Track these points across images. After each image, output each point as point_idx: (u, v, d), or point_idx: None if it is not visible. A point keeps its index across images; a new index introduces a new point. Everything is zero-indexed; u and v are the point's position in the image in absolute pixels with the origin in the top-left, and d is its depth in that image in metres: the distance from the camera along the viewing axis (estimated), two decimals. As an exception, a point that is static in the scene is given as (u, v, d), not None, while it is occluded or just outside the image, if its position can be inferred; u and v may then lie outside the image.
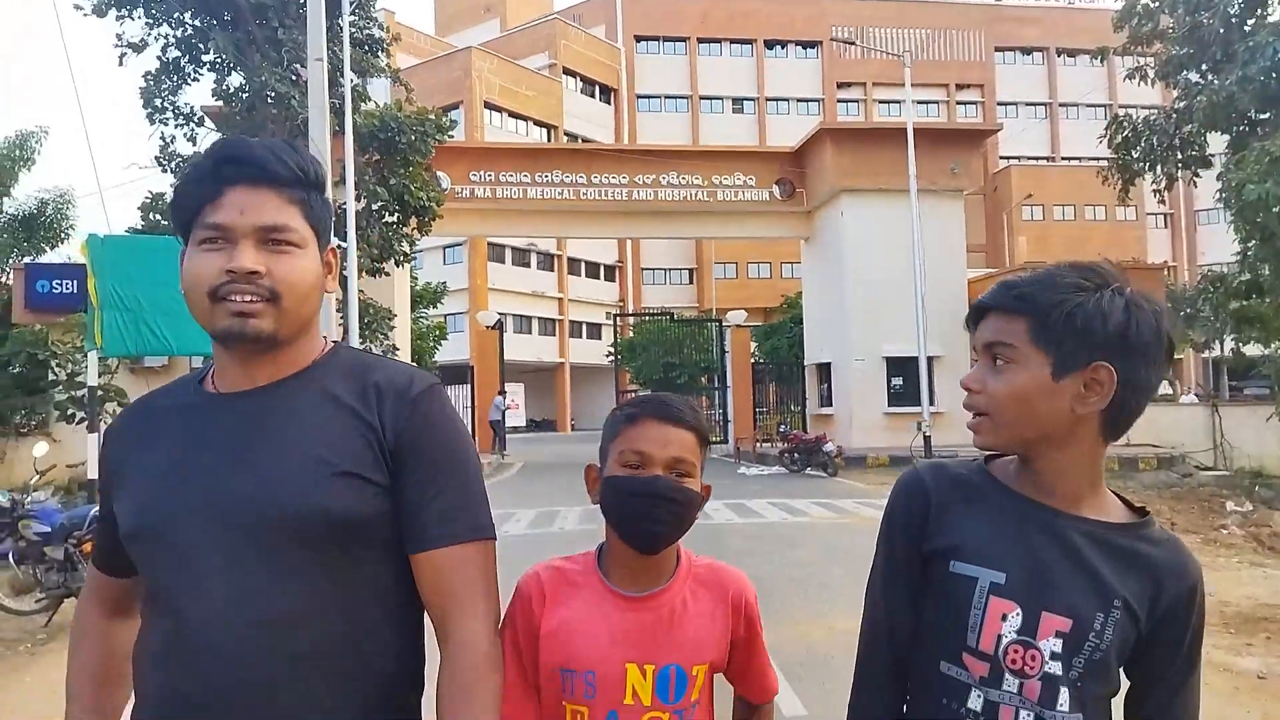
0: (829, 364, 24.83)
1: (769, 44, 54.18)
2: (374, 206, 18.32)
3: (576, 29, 52.03)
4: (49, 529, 6.82)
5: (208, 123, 18.19)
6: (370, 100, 19.10)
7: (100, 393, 10.17)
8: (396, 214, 18.92)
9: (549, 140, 47.31)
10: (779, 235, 28.70)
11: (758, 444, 24.50)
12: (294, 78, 16.25)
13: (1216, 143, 19.70)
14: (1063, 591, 1.23)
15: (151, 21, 17.45)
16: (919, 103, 46.07)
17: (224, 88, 17.65)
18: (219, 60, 17.58)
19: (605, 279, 53.22)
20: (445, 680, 1.30)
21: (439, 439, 1.35)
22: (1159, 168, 20.54)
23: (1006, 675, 1.24)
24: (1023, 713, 1.23)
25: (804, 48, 54.46)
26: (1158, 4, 19.66)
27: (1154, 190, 21.88)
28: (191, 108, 18.24)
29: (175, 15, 17.32)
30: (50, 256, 18.70)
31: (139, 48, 17.67)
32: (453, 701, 1.28)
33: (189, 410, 1.36)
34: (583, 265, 51.66)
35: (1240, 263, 15.79)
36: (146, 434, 1.36)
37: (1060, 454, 1.28)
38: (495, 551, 1.38)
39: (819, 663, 5.39)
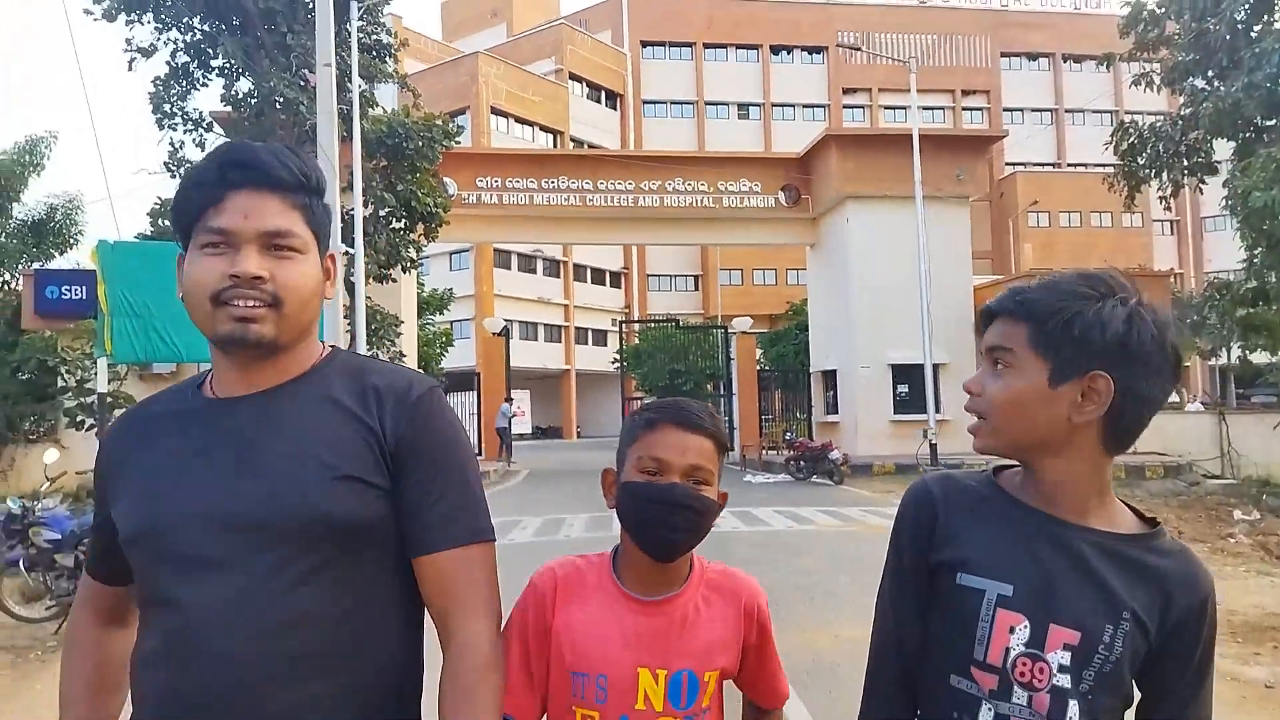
0: (834, 371, 24.79)
1: (774, 49, 54.20)
2: (381, 212, 18.38)
3: (583, 34, 52.14)
4: (59, 536, 6.85)
5: (216, 128, 18.28)
6: (378, 106, 19.17)
7: (109, 399, 10.23)
8: (403, 220, 18.99)
9: (555, 145, 47.37)
10: (784, 242, 28.71)
11: (763, 451, 24.47)
12: (302, 83, 16.32)
13: (1223, 149, 19.67)
14: (1070, 603, 1.22)
15: (161, 26, 17.57)
16: (925, 109, 46.03)
17: (233, 93, 17.76)
18: (228, 66, 17.67)
19: (611, 285, 53.23)
20: (448, 681, 1.31)
21: (439, 442, 1.35)
22: (1165, 174, 20.48)
23: (1015, 688, 1.23)
24: None
25: (810, 53, 54.48)
26: (1164, 10, 19.63)
27: (1160, 197, 21.84)
28: (200, 113, 18.36)
29: (184, 20, 17.44)
30: (59, 262, 18.78)
31: (148, 53, 17.77)
32: (455, 702, 1.29)
33: (188, 415, 1.35)
34: (588, 272, 51.68)
35: (1247, 270, 15.78)
36: (145, 439, 1.36)
37: (1060, 462, 1.27)
38: (495, 552, 1.39)
39: (825, 671, 5.39)
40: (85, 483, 11.40)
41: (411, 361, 21.94)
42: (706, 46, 53.79)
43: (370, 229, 17.67)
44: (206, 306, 1.27)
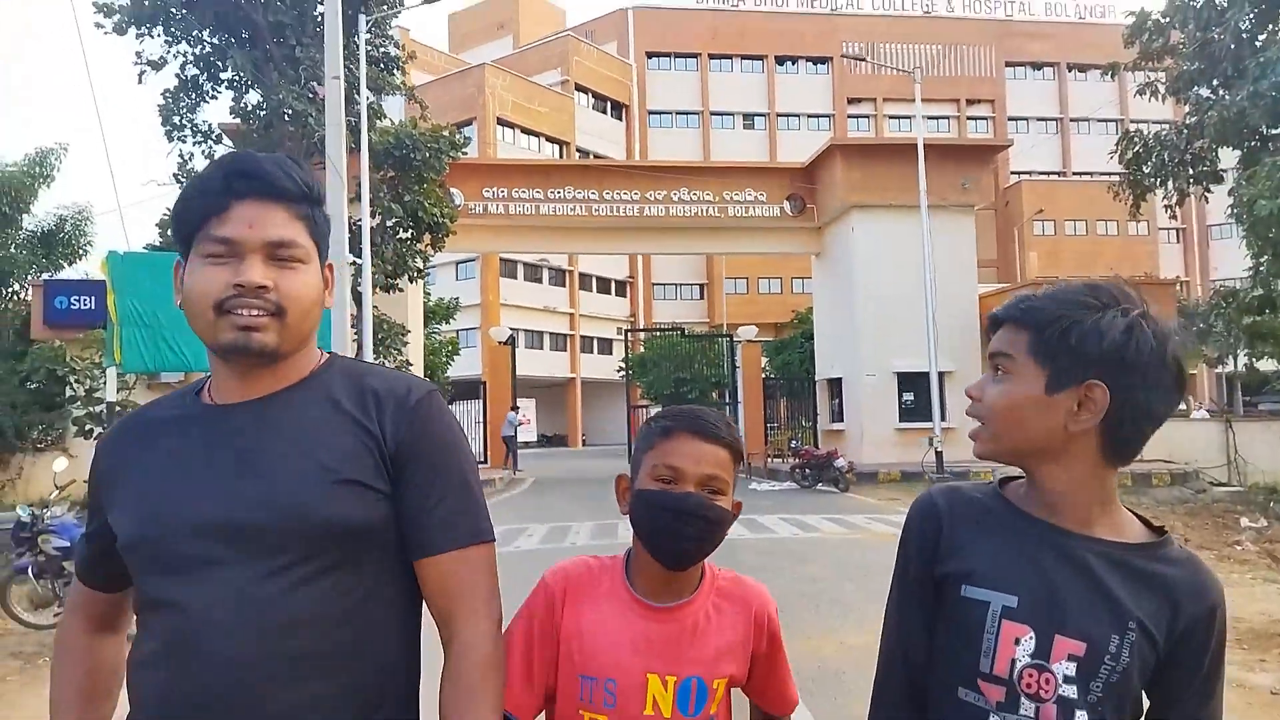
0: (840, 379, 24.78)
1: (779, 60, 54.34)
2: (388, 223, 18.47)
3: (589, 45, 52.35)
4: (68, 544, 6.86)
5: (225, 140, 18.40)
6: (385, 117, 19.28)
7: (118, 408, 10.26)
8: (410, 230, 19.07)
9: (561, 156, 47.54)
10: (790, 251, 28.72)
11: (769, 459, 24.46)
12: (311, 95, 16.44)
13: (1228, 158, 19.69)
14: (1075, 614, 1.22)
15: (171, 39, 17.71)
16: (929, 118, 46.05)
17: (242, 105, 17.87)
18: (237, 78, 17.80)
19: (616, 294, 53.32)
20: (449, 680, 1.32)
21: (438, 445, 1.36)
22: (1170, 183, 20.50)
23: (1023, 700, 1.22)
24: None
25: (814, 63, 54.61)
26: (1168, 19, 19.68)
27: (1165, 206, 21.83)
28: (209, 125, 18.48)
29: (194, 33, 17.57)
30: (68, 273, 18.85)
31: (158, 65, 17.91)
32: (457, 702, 1.30)
33: (188, 421, 1.35)
34: (594, 281, 51.78)
35: (1253, 278, 15.78)
36: (144, 444, 1.36)
37: (1059, 471, 1.27)
38: (495, 553, 1.41)
39: (830, 678, 5.40)
40: (94, 491, 11.46)
41: (418, 370, 21.99)
42: (711, 57, 53.95)
43: (377, 239, 17.76)
44: (209, 315, 1.28)
